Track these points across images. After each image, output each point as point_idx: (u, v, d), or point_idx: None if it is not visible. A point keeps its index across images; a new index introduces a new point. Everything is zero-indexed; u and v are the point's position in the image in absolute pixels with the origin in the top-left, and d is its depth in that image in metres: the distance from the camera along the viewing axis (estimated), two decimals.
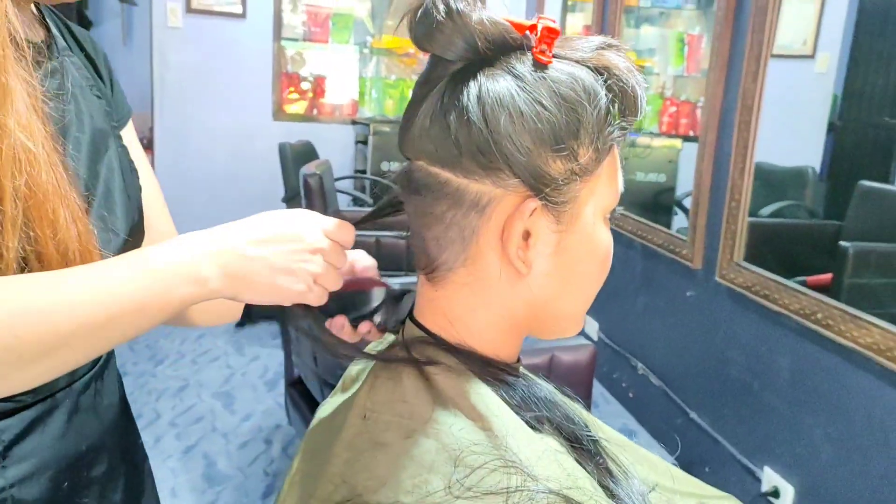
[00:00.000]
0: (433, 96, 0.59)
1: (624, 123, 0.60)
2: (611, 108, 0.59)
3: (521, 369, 0.66)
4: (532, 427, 0.58)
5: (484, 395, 0.58)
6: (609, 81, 0.59)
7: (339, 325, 0.68)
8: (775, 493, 1.99)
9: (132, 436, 0.82)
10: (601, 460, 0.62)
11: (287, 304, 0.64)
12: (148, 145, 4.49)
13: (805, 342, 1.90)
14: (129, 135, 0.81)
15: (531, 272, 0.60)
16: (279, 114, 4.28)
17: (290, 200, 3.47)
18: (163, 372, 3.04)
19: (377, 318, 0.69)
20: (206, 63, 4.14)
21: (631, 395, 2.87)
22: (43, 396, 0.67)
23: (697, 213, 2.39)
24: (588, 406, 1.61)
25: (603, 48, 0.61)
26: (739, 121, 2.17)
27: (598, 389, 3.08)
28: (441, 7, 0.56)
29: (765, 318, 2.05)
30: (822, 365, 1.85)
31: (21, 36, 0.59)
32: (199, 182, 4.27)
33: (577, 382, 1.56)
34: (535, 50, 0.57)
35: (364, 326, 0.69)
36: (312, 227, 0.63)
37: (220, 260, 0.60)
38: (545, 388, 0.64)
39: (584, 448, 0.61)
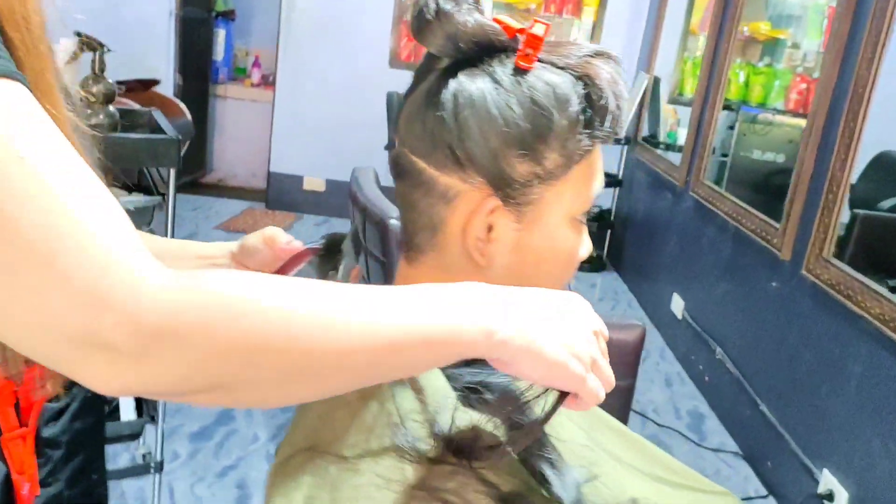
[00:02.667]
0: (421, 89, 0.63)
1: (598, 133, 0.62)
2: (581, 117, 0.61)
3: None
4: (470, 406, 0.62)
5: (429, 371, 0.63)
6: (588, 90, 0.61)
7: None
8: (830, 497, 1.94)
9: None
10: (541, 448, 0.64)
11: (561, 388, 0.55)
12: (271, 82, 4.70)
13: (880, 349, 1.82)
14: None
15: (492, 265, 0.63)
16: (395, 62, 4.36)
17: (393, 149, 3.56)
18: None
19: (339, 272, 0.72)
20: (330, 7, 4.26)
21: (706, 378, 2.83)
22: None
23: (794, 201, 2.29)
24: (632, 387, 1.62)
25: (591, 56, 0.62)
26: (848, 109, 2.05)
27: (675, 369, 3.05)
28: (431, 6, 0.60)
29: (843, 318, 1.97)
30: (893, 374, 1.76)
31: None
32: (312, 123, 4.44)
33: (623, 362, 1.56)
34: (518, 54, 0.60)
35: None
36: (590, 310, 0.57)
37: (514, 314, 0.52)
38: (501, 376, 0.68)
39: (522, 431, 0.63)
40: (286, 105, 4.44)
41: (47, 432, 0.68)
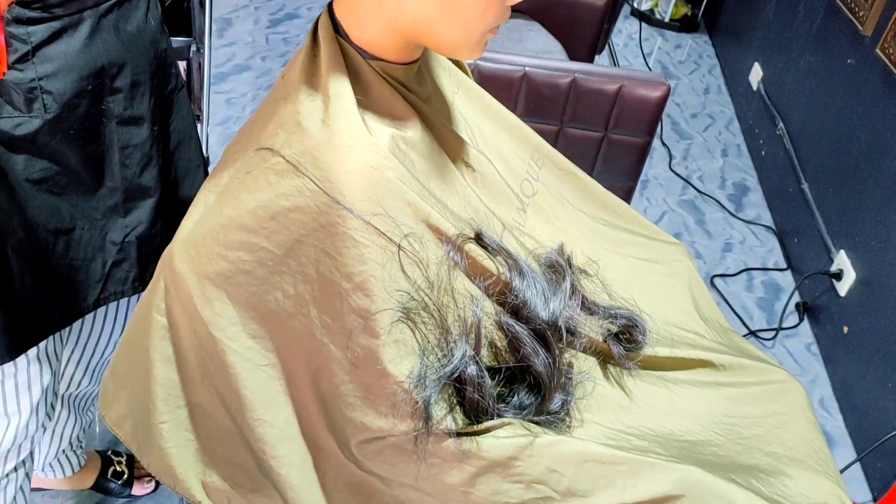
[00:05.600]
0: None
1: None
2: None
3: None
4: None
5: (340, 81, 0.69)
6: None
7: None
8: (838, 276, 1.99)
9: (162, 64, 0.98)
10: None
11: None
12: None
13: None
14: None
15: None
16: None
17: None
18: None
19: None
20: None
21: (763, 153, 2.79)
22: (72, 12, 0.82)
23: None
24: (648, 144, 1.64)
25: None
26: None
27: (736, 140, 3.00)
28: None
29: None
30: None
31: None
32: None
33: (642, 119, 1.57)
34: None
35: None
36: None
37: None
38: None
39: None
40: None
41: None
